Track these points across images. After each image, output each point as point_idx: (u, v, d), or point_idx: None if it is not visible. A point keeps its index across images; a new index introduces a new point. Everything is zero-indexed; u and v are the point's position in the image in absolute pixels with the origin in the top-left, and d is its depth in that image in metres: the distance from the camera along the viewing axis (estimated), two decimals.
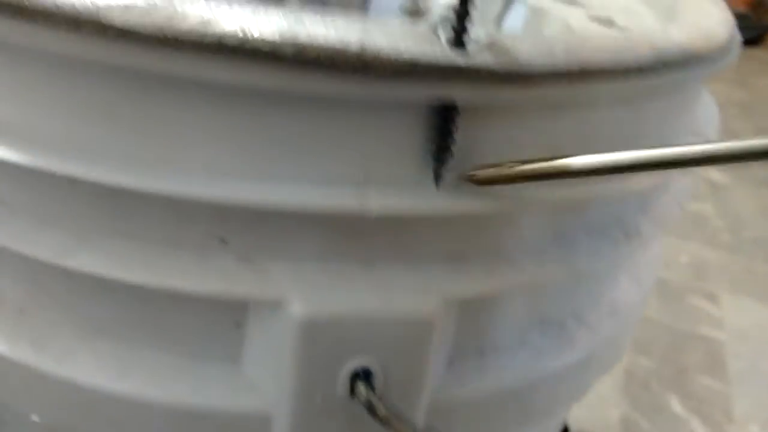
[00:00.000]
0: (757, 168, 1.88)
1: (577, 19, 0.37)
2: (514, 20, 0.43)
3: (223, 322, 0.27)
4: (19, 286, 0.28)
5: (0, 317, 0.29)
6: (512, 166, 0.22)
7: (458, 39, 0.20)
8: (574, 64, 0.22)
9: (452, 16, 0.20)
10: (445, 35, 0.21)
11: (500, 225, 0.27)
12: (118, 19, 0.19)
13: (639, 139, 0.29)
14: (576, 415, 0.96)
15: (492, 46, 0.21)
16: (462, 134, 0.23)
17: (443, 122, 0.22)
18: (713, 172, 1.78)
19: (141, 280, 0.24)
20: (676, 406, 1.02)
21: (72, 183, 0.24)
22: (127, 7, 0.19)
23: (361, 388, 0.26)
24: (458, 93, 0.21)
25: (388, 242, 0.25)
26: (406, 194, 0.23)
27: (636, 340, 1.15)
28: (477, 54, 0.20)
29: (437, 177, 0.23)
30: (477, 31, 0.21)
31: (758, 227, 1.58)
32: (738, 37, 0.31)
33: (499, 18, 0.42)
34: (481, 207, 0.24)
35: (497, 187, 0.24)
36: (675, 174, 0.33)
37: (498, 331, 0.31)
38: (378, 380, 0.26)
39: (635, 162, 0.19)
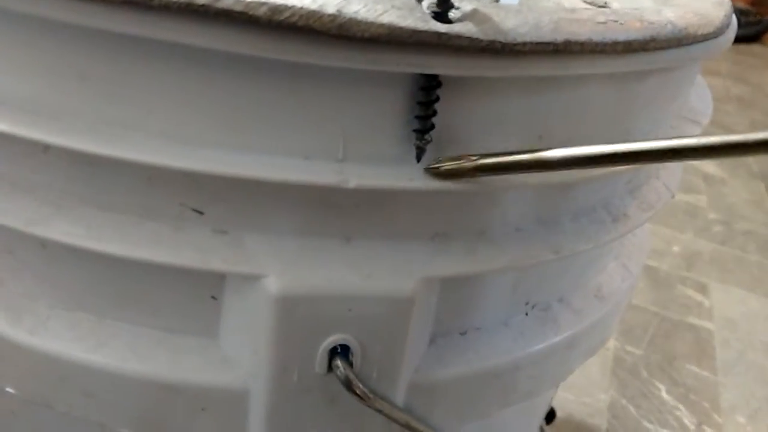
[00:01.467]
0: (752, 161, 1.88)
1: (571, 0, 0.36)
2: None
3: (199, 295, 0.26)
4: None
5: None
6: (472, 160, 0.22)
7: (441, 7, 0.20)
8: (560, 36, 0.21)
9: None
10: (427, 3, 0.20)
11: (483, 204, 0.26)
12: None
13: (628, 119, 0.28)
14: (565, 399, 0.97)
15: (475, 15, 0.20)
16: (444, 107, 0.22)
17: (425, 94, 0.22)
18: (708, 165, 1.79)
19: (115, 250, 0.24)
20: (663, 393, 1.03)
21: (44, 149, 0.23)
22: None
23: (339, 364, 0.26)
24: (439, 63, 0.20)
25: (368, 218, 0.25)
26: (387, 169, 0.23)
27: (626, 328, 1.15)
28: (458, 22, 0.20)
29: (419, 152, 0.23)
30: (462, 2, 0.20)
31: (750, 219, 1.58)
32: (734, 21, 0.30)
33: None
34: (461, 185, 0.23)
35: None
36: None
37: (481, 311, 0.31)
38: (356, 357, 0.26)
39: (591, 155, 0.19)
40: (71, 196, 0.24)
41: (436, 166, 0.23)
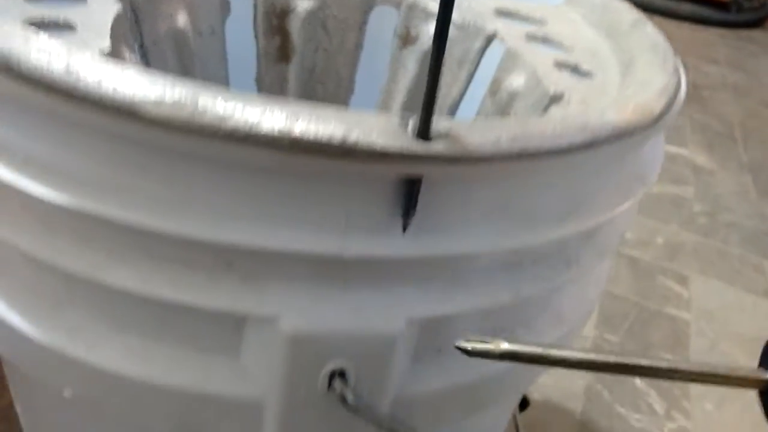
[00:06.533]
0: (742, 153, 1.93)
1: (543, 65, 0.42)
2: (489, 68, 0.47)
3: (227, 327, 0.33)
4: (57, 286, 0.34)
5: (39, 309, 0.35)
6: (499, 345, 0.28)
7: (422, 129, 0.26)
8: (515, 149, 0.27)
9: (419, 112, 0.26)
10: (411, 126, 0.26)
11: (457, 260, 0.32)
12: (152, 111, 0.24)
13: (580, 193, 0.34)
14: (544, 384, 1.04)
15: (448, 135, 0.26)
16: (424, 196, 0.28)
17: (409, 188, 0.28)
18: (698, 156, 1.84)
19: (162, 294, 0.30)
20: (637, 380, 1.10)
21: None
22: (157, 102, 0.24)
23: (337, 384, 0.32)
24: (420, 171, 0.26)
25: (364, 270, 0.31)
26: (379, 240, 0.29)
27: (606, 316, 1.22)
28: (434, 144, 0.26)
29: (405, 227, 0.29)
30: (438, 121, 0.26)
31: (735, 212, 1.63)
32: (678, 101, 0.36)
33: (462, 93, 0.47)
34: (441, 250, 0.30)
35: (454, 230, 0.30)
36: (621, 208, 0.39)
37: (455, 337, 0.37)
38: (351, 379, 0.33)
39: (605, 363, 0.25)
40: (128, 247, 0.31)
41: (466, 347, 0.28)
